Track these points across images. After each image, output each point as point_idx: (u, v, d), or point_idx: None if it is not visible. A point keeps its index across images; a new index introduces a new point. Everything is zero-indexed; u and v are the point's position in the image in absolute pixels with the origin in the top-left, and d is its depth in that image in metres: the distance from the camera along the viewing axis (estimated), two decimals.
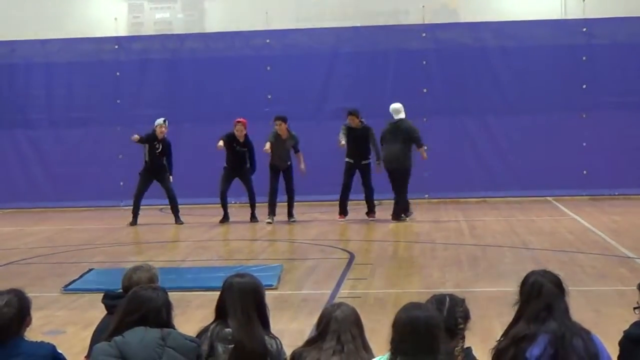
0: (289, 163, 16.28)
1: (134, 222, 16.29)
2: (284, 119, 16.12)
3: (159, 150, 16.13)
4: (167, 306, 4.68)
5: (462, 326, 4.53)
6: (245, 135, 16.15)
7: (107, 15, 20.24)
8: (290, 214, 16.36)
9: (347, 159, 16.24)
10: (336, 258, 12.18)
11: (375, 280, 10.74)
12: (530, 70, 18.87)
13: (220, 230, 16.01)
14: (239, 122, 16.15)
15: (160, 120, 16.13)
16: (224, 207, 16.26)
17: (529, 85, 18.85)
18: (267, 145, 15.84)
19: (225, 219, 16.31)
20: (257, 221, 16.19)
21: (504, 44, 19.05)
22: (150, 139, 16.03)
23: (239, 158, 16.12)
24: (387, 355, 4.13)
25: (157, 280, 5.37)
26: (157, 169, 16.23)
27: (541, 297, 4.57)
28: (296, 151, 16.30)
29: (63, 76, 19.73)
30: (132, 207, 16.42)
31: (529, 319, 4.56)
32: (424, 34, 19.24)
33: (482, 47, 19.03)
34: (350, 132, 15.98)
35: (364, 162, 16.17)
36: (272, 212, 16.16)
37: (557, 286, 4.63)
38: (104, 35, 19.90)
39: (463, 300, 4.66)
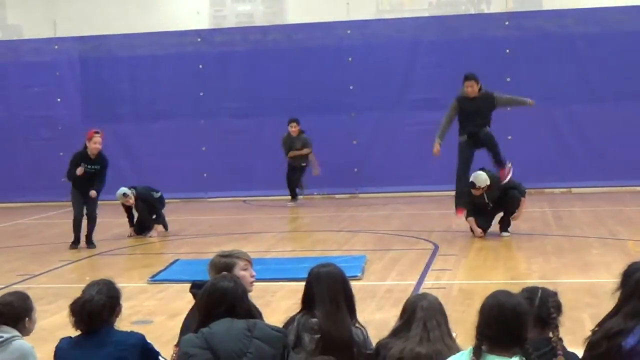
0: (303, 164, 17.89)
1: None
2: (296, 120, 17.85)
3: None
4: (246, 294, 4.72)
5: (554, 315, 4.47)
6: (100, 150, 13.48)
7: (190, 9, 20.46)
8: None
9: (461, 138, 13.22)
10: (420, 249, 12.11)
11: (459, 271, 10.65)
12: (616, 56, 18.44)
13: (304, 221, 16.07)
14: (97, 132, 13.44)
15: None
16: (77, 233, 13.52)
17: (616, 73, 18.41)
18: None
19: (75, 244, 13.50)
20: (95, 247, 13.38)
21: (589, 31, 18.65)
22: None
23: (87, 178, 13.31)
24: (470, 348, 4.08)
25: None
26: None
27: None
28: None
29: (147, 70, 19.98)
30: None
31: (628, 314, 4.42)
32: (507, 22, 18.97)
33: (566, 34, 18.66)
34: (465, 104, 13.12)
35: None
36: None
37: None
38: (186, 29, 20.10)
39: (555, 293, 4.61)
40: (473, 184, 12.60)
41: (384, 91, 18.81)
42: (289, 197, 18.08)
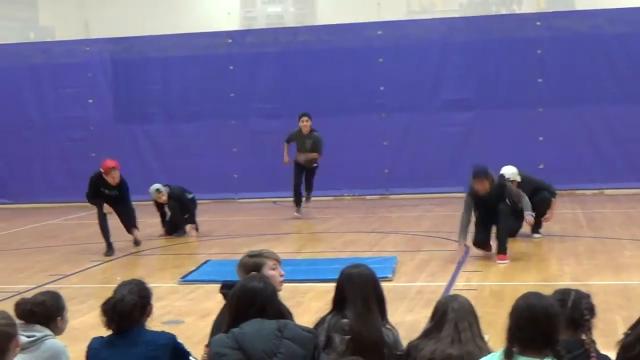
0: (314, 164, 16.31)
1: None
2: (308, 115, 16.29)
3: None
4: (276, 294, 4.72)
5: (587, 317, 4.44)
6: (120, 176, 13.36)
7: (221, 10, 20.52)
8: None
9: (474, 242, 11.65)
10: (451, 250, 12.04)
11: (490, 272, 10.60)
12: None
13: (334, 222, 16.04)
14: (113, 168, 13.14)
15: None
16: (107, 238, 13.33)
17: None
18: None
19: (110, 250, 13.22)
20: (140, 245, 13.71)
21: (621, 31, 18.47)
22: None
23: (111, 201, 13.32)
24: (501, 350, 4.06)
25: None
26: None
27: None
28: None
29: (178, 70, 20.06)
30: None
31: None
32: (538, 23, 18.85)
33: (599, 34, 18.50)
34: (479, 201, 11.29)
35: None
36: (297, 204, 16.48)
37: None
38: (217, 30, 20.14)
39: (589, 295, 4.58)
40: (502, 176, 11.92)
41: (414, 92, 18.76)
42: (295, 201, 16.55)
